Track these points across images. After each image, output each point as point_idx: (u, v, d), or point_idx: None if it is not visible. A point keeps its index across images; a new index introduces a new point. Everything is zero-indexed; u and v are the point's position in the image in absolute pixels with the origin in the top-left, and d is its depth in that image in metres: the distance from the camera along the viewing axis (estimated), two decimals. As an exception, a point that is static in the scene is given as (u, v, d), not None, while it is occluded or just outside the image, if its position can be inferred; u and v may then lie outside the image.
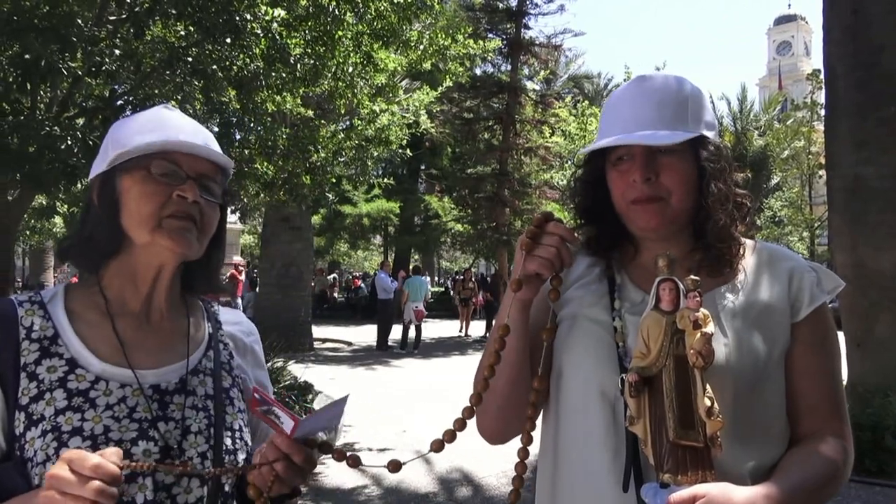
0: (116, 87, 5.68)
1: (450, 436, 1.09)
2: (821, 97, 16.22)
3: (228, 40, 5.34)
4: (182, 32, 5.65)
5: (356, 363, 12.18)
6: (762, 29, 76.30)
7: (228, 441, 1.09)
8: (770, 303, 1.16)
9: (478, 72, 21.25)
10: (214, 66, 5.40)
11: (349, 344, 15.37)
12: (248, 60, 5.70)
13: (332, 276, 27.62)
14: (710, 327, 0.97)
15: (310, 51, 6.57)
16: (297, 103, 7.27)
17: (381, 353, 13.87)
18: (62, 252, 1.16)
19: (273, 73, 6.12)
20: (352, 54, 7.17)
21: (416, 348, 14.13)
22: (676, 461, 0.95)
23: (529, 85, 22.90)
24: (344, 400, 1.01)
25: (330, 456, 1.04)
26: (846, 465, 1.12)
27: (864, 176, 5.68)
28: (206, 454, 1.06)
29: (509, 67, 21.79)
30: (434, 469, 5.60)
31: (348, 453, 1.04)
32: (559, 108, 21.60)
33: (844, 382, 1.28)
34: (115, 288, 1.12)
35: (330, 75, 7.12)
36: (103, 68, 4.85)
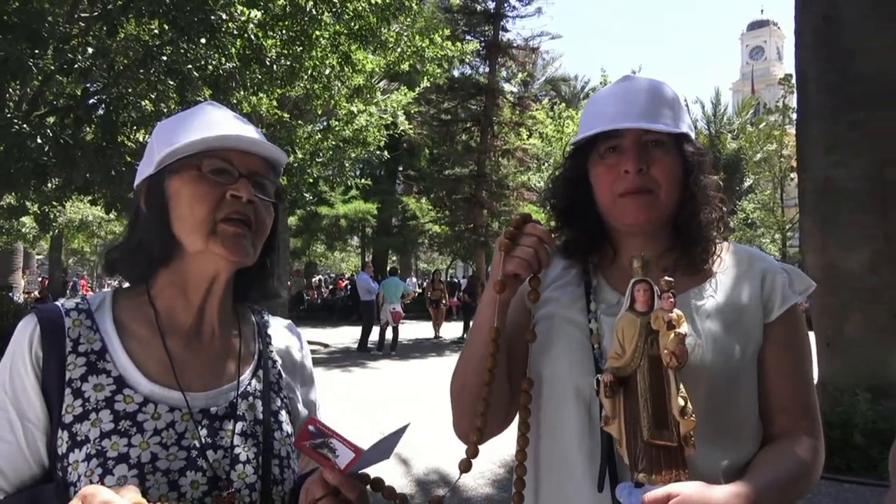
0: (89, 85, 5.59)
1: (472, 451, 1.09)
2: (793, 101, 16.53)
3: (203, 40, 5.29)
4: (156, 31, 5.59)
5: (333, 365, 12.12)
6: (736, 34, 77.53)
7: (276, 470, 1.03)
8: (743, 303, 1.18)
9: (456, 73, 21.30)
10: (189, 66, 5.34)
11: (326, 346, 15.28)
12: (223, 60, 5.65)
13: (318, 277, 27.48)
14: (684, 328, 0.98)
15: (286, 51, 6.54)
16: (272, 104, 7.22)
17: (358, 354, 13.82)
18: (109, 264, 1.09)
19: (249, 74, 6.07)
20: (329, 55, 7.15)
21: (393, 350, 14.09)
22: (651, 460, 0.96)
23: (507, 87, 23.01)
24: (403, 431, 0.95)
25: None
26: (817, 463, 1.14)
27: (834, 178, 5.79)
28: (255, 485, 0.99)
29: (487, 69, 21.88)
30: (411, 471, 5.59)
31: (398, 492, 0.98)
32: (536, 110, 21.72)
33: (815, 382, 1.30)
34: (166, 299, 1.05)
35: (307, 76, 7.09)
36: (75, 66, 4.78)
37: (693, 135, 1.21)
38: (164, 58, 5.18)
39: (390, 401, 8.54)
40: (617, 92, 1.20)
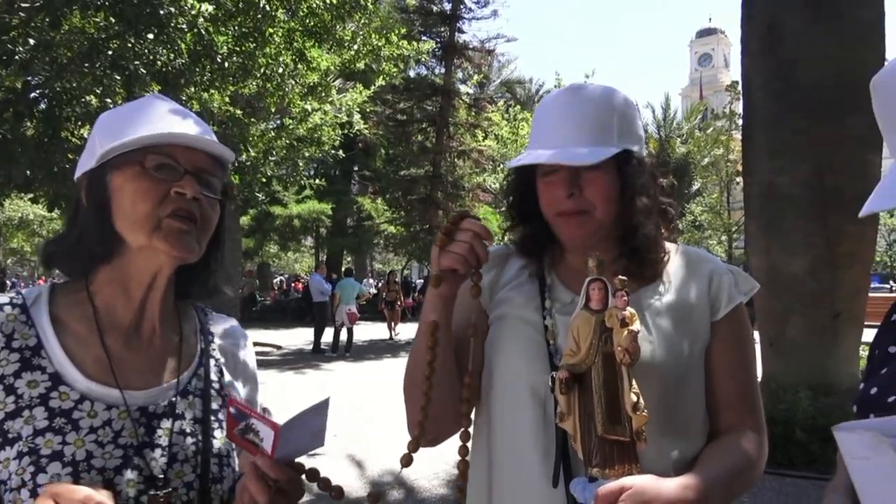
0: (30, 78, 5.38)
1: (413, 446, 1.09)
2: (739, 107, 17.05)
3: (151, 34, 5.14)
4: (102, 24, 5.40)
5: (286, 367, 11.95)
6: (685, 41, 79.59)
7: (216, 469, 1.02)
8: (691, 302, 1.21)
9: (412, 74, 21.29)
10: (137, 61, 5.19)
11: (278, 347, 15.05)
12: (172, 56, 5.51)
13: (279, 278, 27.07)
14: (637, 325, 1.00)
15: (238, 47, 6.42)
16: (224, 101, 7.07)
17: (311, 356, 13.66)
18: (47, 258, 1.05)
19: (199, 70, 5.94)
20: (283, 52, 7.05)
21: (348, 351, 13.98)
22: (604, 455, 0.98)
23: (463, 88, 23.13)
24: (325, 406, 0.92)
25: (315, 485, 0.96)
26: (761, 457, 1.17)
27: (778, 184, 5.99)
28: (193, 484, 0.98)
29: (443, 70, 21.94)
30: (366, 473, 5.55)
31: (333, 484, 0.97)
32: (492, 111, 21.89)
33: (759, 379, 1.34)
34: (106, 295, 1.03)
35: (260, 73, 6.97)
36: (15, 58, 4.59)
37: (638, 147, 1.21)
38: (110, 52, 5.03)
39: (345, 402, 8.47)
40: (558, 109, 1.21)
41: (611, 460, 0.97)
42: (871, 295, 6.52)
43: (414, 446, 1.10)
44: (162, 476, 0.96)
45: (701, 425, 1.19)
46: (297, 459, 0.93)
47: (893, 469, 0.71)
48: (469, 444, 1.14)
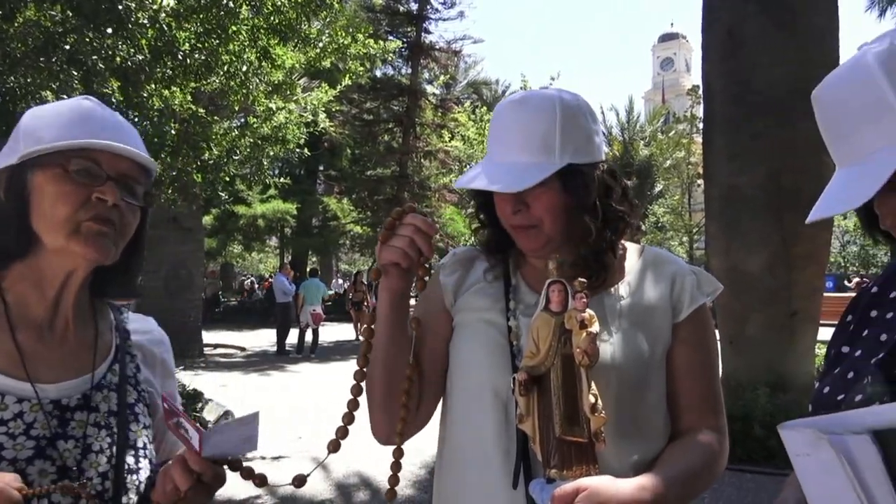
0: (-19, 72, 5.20)
1: (342, 432, 1.11)
2: (700, 111, 17.40)
3: (110, 29, 5.02)
4: (59, 17, 5.25)
5: (249, 369, 11.79)
6: (648, 45, 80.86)
7: (131, 460, 1.04)
8: (653, 304, 1.22)
9: (378, 74, 21.21)
10: (95, 56, 5.06)
11: (242, 349, 14.85)
12: (132, 51, 5.38)
13: (250, 278, 26.67)
14: (596, 327, 1.01)
15: (201, 44, 6.29)
16: (186, 99, 6.93)
17: (276, 358, 13.51)
18: None
19: (160, 67, 5.81)
20: (247, 49, 6.93)
21: (314, 352, 13.86)
22: (562, 457, 0.98)
23: (429, 89, 23.12)
24: (254, 418, 0.96)
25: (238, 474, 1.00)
26: (722, 456, 1.19)
27: (737, 185, 6.13)
28: (107, 474, 1.00)
29: (409, 70, 21.90)
30: (331, 475, 5.51)
31: (256, 472, 1.01)
32: (459, 112, 21.93)
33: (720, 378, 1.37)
34: (18, 292, 1.03)
35: (223, 71, 6.85)
36: (-35, 51, 4.43)
37: (587, 157, 1.19)
38: (67, 46, 4.89)
39: (310, 404, 8.39)
40: (504, 123, 1.20)
41: (569, 461, 0.98)
42: (825, 295, 6.72)
43: (399, 440, 1.14)
44: (76, 467, 0.97)
45: (662, 426, 1.20)
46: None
47: (832, 464, 0.73)
48: (423, 437, 1.16)
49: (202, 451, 0.92)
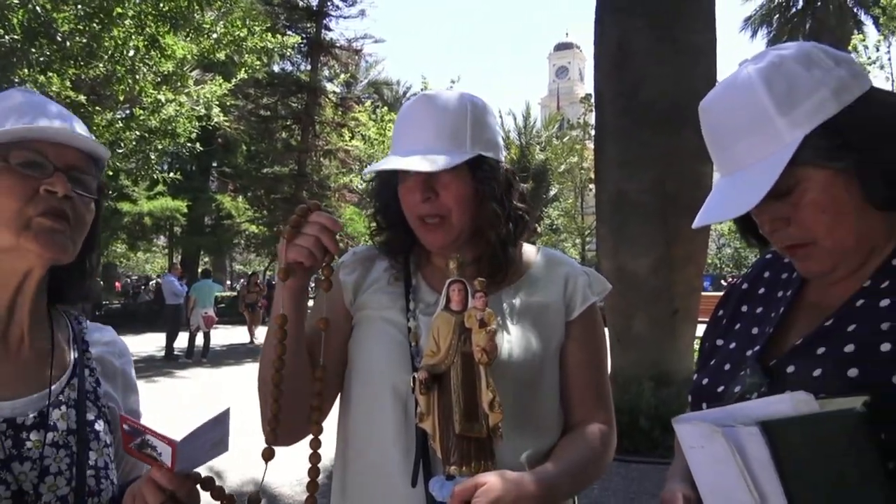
0: None
1: (271, 437, 1.07)
2: (592, 119, 18.19)
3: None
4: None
5: (136, 375, 11.14)
6: (545, 53, 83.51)
7: (92, 482, 0.97)
8: (548, 303, 1.26)
9: (276, 69, 20.64)
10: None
11: (127, 354, 14.00)
12: (1, 31, 4.96)
13: (156, 280, 24.99)
14: (495, 325, 1.03)
15: (82, 27, 5.88)
16: (65, 85, 6.45)
17: (164, 363, 12.84)
18: None
19: (35, 50, 5.38)
20: (133, 36, 6.55)
21: (205, 357, 13.27)
22: (462, 453, 1.00)
23: (329, 86, 22.79)
24: (226, 416, 0.91)
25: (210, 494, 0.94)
26: (610, 448, 1.25)
27: (625, 191, 6.45)
28: (67, 498, 0.93)
29: (309, 67, 21.48)
30: (226, 483, 5.28)
31: (227, 493, 0.97)
32: (359, 111, 21.74)
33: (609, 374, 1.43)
34: None
35: (107, 56, 6.43)
36: None
37: (493, 153, 1.23)
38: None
39: (201, 411, 8.02)
40: (413, 116, 1.23)
41: (468, 458, 1.00)
42: (703, 294, 7.20)
43: (271, 438, 1.07)
44: (32, 491, 0.91)
45: (555, 420, 1.24)
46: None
47: (725, 455, 0.78)
48: (321, 438, 1.13)
49: (175, 466, 0.86)
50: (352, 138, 21.07)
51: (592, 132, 12.04)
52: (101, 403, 1.05)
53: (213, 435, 0.91)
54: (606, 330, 6.38)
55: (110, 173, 8.29)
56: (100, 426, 1.02)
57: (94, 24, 5.88)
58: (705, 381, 1.06)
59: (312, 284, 1.79)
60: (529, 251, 1.33)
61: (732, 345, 1.07)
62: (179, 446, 0.86)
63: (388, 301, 1.25)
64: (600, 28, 6.71)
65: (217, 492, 0.96)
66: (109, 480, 1.01)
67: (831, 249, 0.91)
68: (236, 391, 9.10)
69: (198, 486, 0.93)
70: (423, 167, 1.15)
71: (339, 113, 21.59)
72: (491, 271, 1.22)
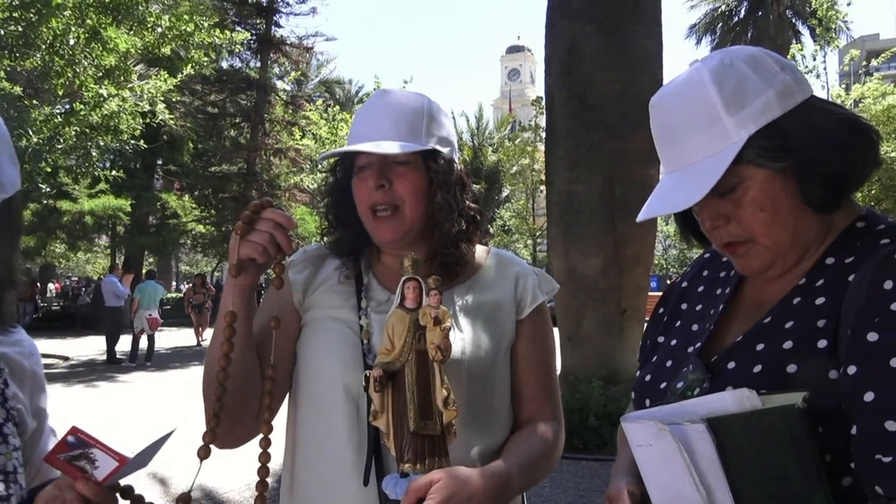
0: None
1: (210, 437, 1.04)
2: (543, 121, 18.42)
3: None
4: None
5: (74, 380, 10.72)
6: (497, 55, 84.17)
7: (1, 486, 0.94)
8: (499, 302, 1.28)
9: (224, 65, 20.22)
10: None
11: (66, 359, 13.48)
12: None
13: (72, 280, 23.97)
14: (449, 323, 1.04)
15: (17, 15, 5.63)
16: (-1, 77, 6.18)
17: (105, 367, 12.41)
18: None
19: (-34, 39, 5.13)
20: (73, 27, 6.30)
21: (149, 360, 12.89)
22: (416, 451, 1.00)
23: (280, 84, 22.46)
24: (168, 437, 0.93)
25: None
26: (559, 444, 1.27)
27: (575, 192, 6.56)
28: None
29: (258, 64, 21.13)
30: (171, 489, 5.15)
31: (147, 501, 0.96)
32: (310, 110, 21.46)
33: (558, 372, 1.45)
34: None
35: (45, 47, 6.18)
36: None
37: (447, 150, 1.26)
38: None
39: (144, 416, 7.80)
40: (370, 110, 1.25)
41: (422, 455, 1.00)
42: (650, 294, 7.37)
43: (210, 437, 1.05)
44: None
45: (506, 417, 1.25)
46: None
47: (673, 453, 0.80)
48: (271, 437, 1.10)
49: (108, 480, 0.86)
50: (303, 137, 20.79)
51: (544, 134, 12.19)
52: (10, 406, 1.02)
53: (152, 450, 0.92)
54: (556, 329, 6.48)
55: (48, 170, 7.95)
56: (8, 429, 0.99)
57: (31, 15, 5.63)
58: (648, 377, 1.08)
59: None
60: (481, 251, 1.34)
61: (674, 342, 1.10)
62: (129, 462, 0.86)
63: (338, 300, 1.25)
64: (551, 32, 6.80)
65: (137, 499, 0.96)
66: (18, 485, 0.98)
67: (769, 247, 0.94)
68: (182, 396, 8.87)
69: (117, 495, 0.93)
70: (379, 150, 1.16)
71: (290, 111, 21.31)
72: (443, 269, 1.23)
